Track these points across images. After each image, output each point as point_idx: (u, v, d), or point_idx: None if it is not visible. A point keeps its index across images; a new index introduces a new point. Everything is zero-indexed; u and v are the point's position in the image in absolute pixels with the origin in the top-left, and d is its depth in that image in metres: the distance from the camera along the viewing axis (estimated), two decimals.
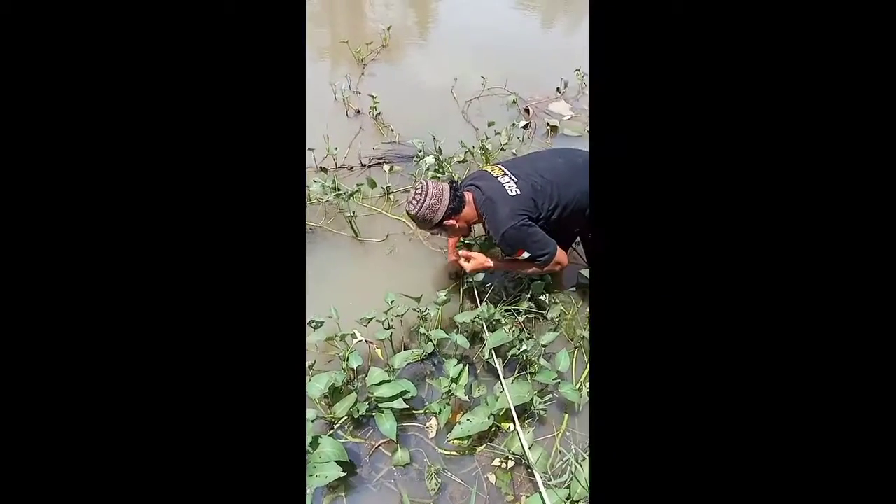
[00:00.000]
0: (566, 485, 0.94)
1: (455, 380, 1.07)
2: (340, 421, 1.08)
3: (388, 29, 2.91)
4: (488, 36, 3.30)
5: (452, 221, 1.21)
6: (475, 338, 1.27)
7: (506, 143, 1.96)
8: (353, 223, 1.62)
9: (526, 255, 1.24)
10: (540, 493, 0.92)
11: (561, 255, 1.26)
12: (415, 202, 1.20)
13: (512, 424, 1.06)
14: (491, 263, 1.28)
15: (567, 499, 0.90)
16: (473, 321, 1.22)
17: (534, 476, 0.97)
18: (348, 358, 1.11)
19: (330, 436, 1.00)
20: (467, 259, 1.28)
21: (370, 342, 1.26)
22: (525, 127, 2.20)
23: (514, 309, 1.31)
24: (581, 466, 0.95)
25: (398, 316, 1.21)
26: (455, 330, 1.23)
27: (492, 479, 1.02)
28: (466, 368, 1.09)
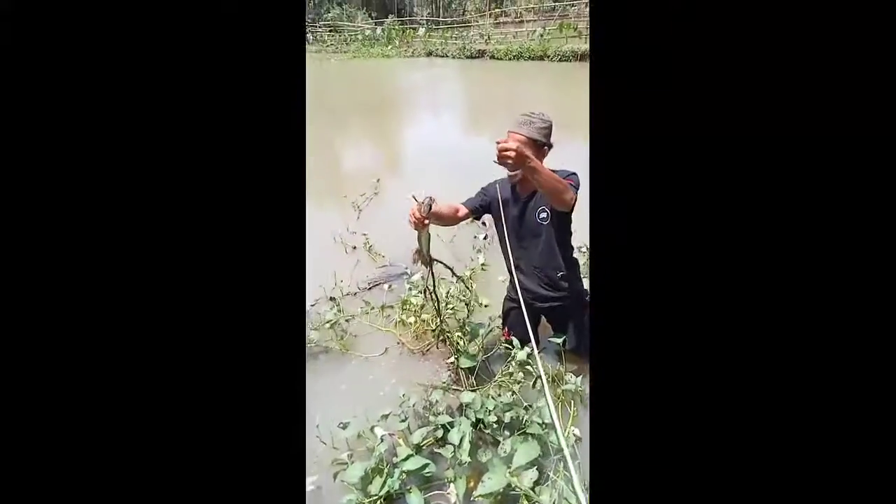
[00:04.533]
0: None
1: (457, 446, 1.33)
2: (378, 499, 1.30)
3: (378, 181, 3.67)
4: (448, 160, 4.17)
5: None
6: (482, 406, 1.53)
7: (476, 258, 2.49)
8: (343, 340, 1.99)
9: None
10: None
11: None
12: (538, 117, 1.39)
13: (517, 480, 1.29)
14: (529, 154, 1.22)
15: None
16: (475, 400, 1.50)
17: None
18: (376, 447, 1.38)
19: None
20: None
21: (392, 434, 1.52)
22: (485, 238, 2.74)
23: (510, 377, 1.60)
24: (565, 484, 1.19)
25: (411, 406, 1.51)
26: (460, 412, 1.51)
27: None
28: (468, 433, 1.36)
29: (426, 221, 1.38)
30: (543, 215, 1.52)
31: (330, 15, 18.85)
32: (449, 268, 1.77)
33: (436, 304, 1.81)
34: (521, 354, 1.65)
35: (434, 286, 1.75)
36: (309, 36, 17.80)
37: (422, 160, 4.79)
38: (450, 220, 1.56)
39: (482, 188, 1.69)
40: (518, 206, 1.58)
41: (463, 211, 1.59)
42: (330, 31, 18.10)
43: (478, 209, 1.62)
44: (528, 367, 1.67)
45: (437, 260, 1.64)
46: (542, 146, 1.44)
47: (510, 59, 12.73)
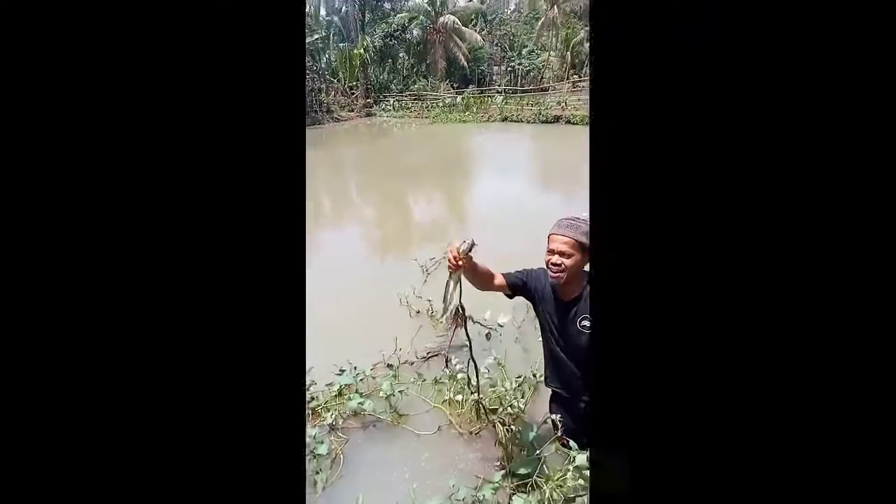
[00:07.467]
0: None
1: None
2: None
3: (448, 245, 3.80)
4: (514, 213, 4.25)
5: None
6: None
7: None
8: (395, 412, 1.96)
9: None
10: None
11: None
12: (583, 220, 1.43)
13: None
14: None
15: None
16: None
17: None
18: None
19: None
20: None
21: None
22: None
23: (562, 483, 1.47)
24: None
25: (460, 500, 1.43)
26: None
27: None
28: None
29: (460, 263, 1.34)
30: (587, 324, 1.48)
31: (416, 86, 20.91)
32: (477, 322, 1.69)
33: (476, 375, 1.72)
34: (581, 459, 1.51)
35: (471, 353, 1.66)
36: (395, 103, 19.82)
37: (489, 216, 4.96)
38: (482, 280, 1.54)
39: (526, 270, 1.66)
40: (558, 307, 1.56)
41: (500, 280, 1.58)
42: (415, 99, 20.01)
43: (515, 286, 1.60)
44: (588, 471, 1.51)
45: (469, 317, 1.57)
46: (587, 249, 1.43)
47: (586, 123, 12.92)
